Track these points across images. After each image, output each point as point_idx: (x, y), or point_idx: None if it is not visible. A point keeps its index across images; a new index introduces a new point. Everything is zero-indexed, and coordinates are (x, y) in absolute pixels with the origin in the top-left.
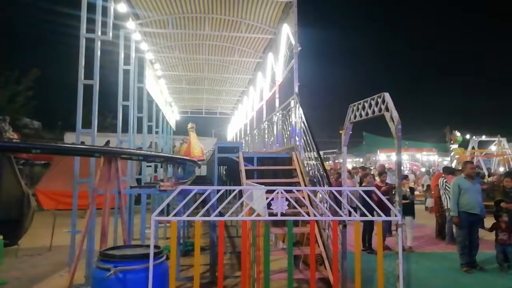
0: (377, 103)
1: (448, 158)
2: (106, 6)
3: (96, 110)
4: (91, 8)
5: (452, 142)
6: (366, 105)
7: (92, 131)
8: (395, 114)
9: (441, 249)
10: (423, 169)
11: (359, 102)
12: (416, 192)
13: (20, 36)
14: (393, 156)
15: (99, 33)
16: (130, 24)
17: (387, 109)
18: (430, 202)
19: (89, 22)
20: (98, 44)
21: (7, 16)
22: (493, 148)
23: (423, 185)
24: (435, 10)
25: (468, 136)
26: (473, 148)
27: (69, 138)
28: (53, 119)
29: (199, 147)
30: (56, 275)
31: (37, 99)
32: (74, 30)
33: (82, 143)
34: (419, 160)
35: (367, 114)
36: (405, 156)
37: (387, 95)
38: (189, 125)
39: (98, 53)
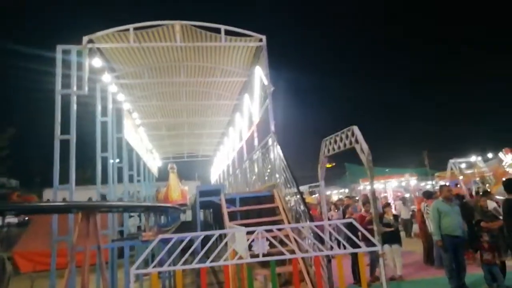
0: (347, 136)
1: (429, 182)
2: (81, 62)
3: (74, 165)
4: (67, 63)
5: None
6: (338, 138)
7: (70, 186)
8: (364, 145)
9: (431, 275)
10: (407, 195)
11: (331, 136)
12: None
13: None
14: (375, 185)
15: (75, 88)
16: (106, 77)
17: (356, 142)
18: (415, 227)
19: (65, 77)
20: (74, 99)
21: None
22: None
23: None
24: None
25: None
26: (451, 169)
27: (48, 195)
28: (31, 176)
29: (178, 190)
30: None
31: (14, 157)
32: (50, 85)
33: (64, 199)
34: (402, 186)
35: (339, 147)
36: (388, 184)
37: (355, 128)
38: (169, 166)
39: (74, 107)
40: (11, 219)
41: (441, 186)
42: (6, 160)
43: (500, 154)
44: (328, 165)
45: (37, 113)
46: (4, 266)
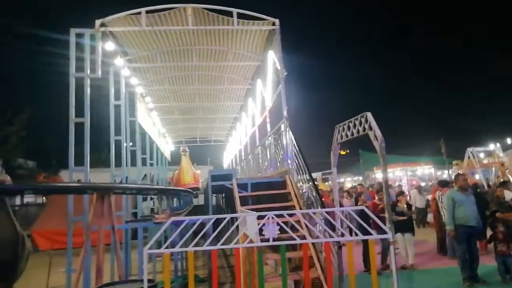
0: (360, 123)
1: (446, 171)
2: (94, 45)
3: (88, 148)
4: (80, 47)
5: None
6: (351, 125)
7: (85, 168)
8: (378, 132)
9: (443, 264)
10: (423, 184)
11: (344, 123)
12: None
13: (12, 77)
14: (390, 173)
15: (88, 71)
16: (119, 61)
17: (370, 128)
18: (430, 217)
19: (79, 60)
20: (87, 82)
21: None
22: (488, 158)
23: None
24: (424, 25)
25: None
26: (468, 157)
27: (64, 176)
28: (48, 157)
29: (191, 174)
30: None
31: (31, 139)
32: (65, 68)
33: (78, 180)
34: (417, 175)
35: (352, 134)
36: (403, 172)
37: (369, 115)
38: (181, 149)
39: (88, 91)
40: (30, 199)
41: (457, 175)
42: (24, 141)
43: None
44: (342, 152)
45: (53, 95)
46: (24, 243)
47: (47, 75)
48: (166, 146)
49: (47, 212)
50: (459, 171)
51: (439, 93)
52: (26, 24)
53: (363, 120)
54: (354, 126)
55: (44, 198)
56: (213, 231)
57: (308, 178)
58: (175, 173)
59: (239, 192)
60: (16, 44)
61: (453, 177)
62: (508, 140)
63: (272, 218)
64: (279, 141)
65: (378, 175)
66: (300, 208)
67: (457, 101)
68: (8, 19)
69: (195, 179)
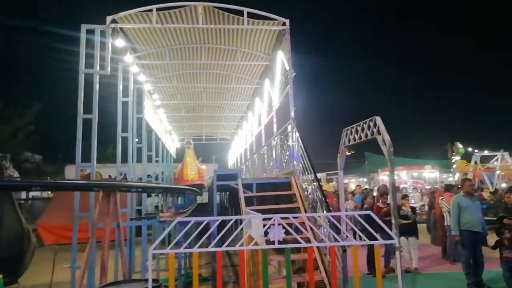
0: (369, 127)
1: (451, 174)
2: (104, 42)
3: (95, 144)
4: (90, 43)
5: (454, 154)
6: (359, 129)
7: (91, 165)
8: (386, 137)
9: (447, 269)
10: (428, 187)
11: (352, 126)
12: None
13: (21, 72)
14: (395, 176)
15: (98, 68)
16: (128, 58)
17: (378, 133)
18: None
19: (89, 57)
20: (96, 79)
21: (9, 52)
22: (495, 162)
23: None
24: (431, 28)
25: (470, 149)
26: (475, 163)
27: (70, 171)
28: (54, 152)
29: (195, 169)
30: None
31: (38, 133)
32: (74, 64)
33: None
34: (422, 178)
35: (360, 137)
36: (408, 175)
37: (378, 119)
38: (185, 141)
39: (97, 87)
40: (36, 193)
41: (463, 180)
42: (31, 136)
43: None
44: (347, 153)
45: (61, 90)
46: (30, 238)
47: (56, 70)
48: (172, 143)
49: (52, 207)
50: (465, 175)
51: (449, 96)
52: (37, 19)
53: (371, 124)
54: (362, 130)
55: (50, 193)
56: (218, 231)
57: (313, 178)
58: (177, 168)
59: (244, 193)
60: (27, 40)
61: (457, 178)
62: None
63: (278, 221)
64: (285, 142)
65: (383, 177)
66: (305, 210)
67: (467, 105)
68: (19, 15)
69: (199, 175)
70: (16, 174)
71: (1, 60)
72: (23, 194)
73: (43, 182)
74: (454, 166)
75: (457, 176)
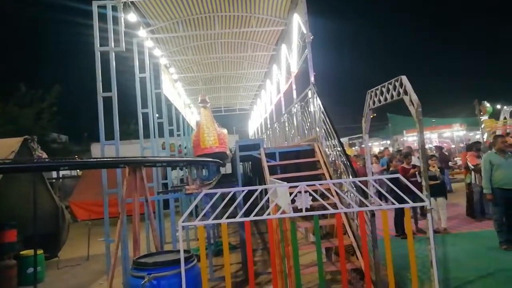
0: (395, 87)
1: (479, 132)
2: (117, 16)
3: (117, 122)
4: (103, 20)
5: (482, 113)
6: (384, 90)
7: (115, 142)
8: (414, 96)
9: (477, 228)
10: (453, 146)
11: (376, 87)
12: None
13: (41, 53)
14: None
15: (112, 45)
16: (142, 33)
17: (405, 93)
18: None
19: (103, 33)
20: (112, 56)
21: (28, 34)
22: None
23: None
24: None
25: (499, 107)
26: (505, 118)
27: (95, 149)
28: (79, 131)
29: (214, 134)
30: (95, 284)
31: (62, 113)
32: (90, 40)
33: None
34: (448, 137)
35: (385, 99)
36: (433, 135)
37: (404, 78)
38: (199, 98)
39: (113, 64)
40: (65, 172)
41: (495, 137)
42: (56, 116)
43: None
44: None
45: (80, 68)
46: (64, 215)
47: (73, 48)
48: (192, 116)
49: (82, 184)
50: (496, 132)
51: (474, 53)
52: None
53: (397, 84)
54: (388, 90)
55: (78, 171)
56: (244, 202)
57: (336, 144)
58: (193, 134)
59: (267, 162)
60: (43, 19)
61: (486, 137)
62: None
63: (304, 188)
64: (306, 108)
65: (407, 138)
66: (330, 176)
67: (495, 62)
68: None
69: (220, 141)
70: (44, 155)
71: (22, 43)
72: (54, 174)
73: (71, 162)
74: (483, 126)
75: (486, 135)
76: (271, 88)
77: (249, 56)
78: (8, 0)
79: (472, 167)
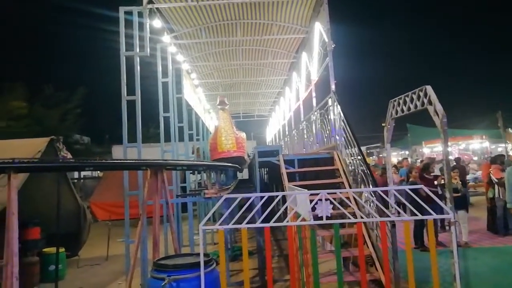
0: (419, 97)
1: (502, 145)
2: (142, 22)
3: (140, 125)
4: (130, 25)
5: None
6: (408, 99)
7: (137, 145)
8: (439, 107)
9: (501, 243)
10: (475, 158)
11: (399, 97)
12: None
13: (66, 56)
14: (437, 148)
15: (138, 49)
16: (166, 38)
17: (430, 103)
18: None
19: (128, 38)
20: (137, 61)
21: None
22: None
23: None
24: None
25: None
26: None
27: (117, 151)
28: (101, 133)
29: (232, 137)
30: (114, 283)
31: (85, 116)
32: (115, 45)
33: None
34: (469, 149)
35: (409, 109)
36: (454, 147)
37: (429, 88)
38: (218, 100)
39: (138, 69)
40: (87, 173)
41: None
42: (80, 117)
43: None
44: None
45: (104, 72)
46: (85, 214)
47: (98, 52)
48: (211, 121)
49: (103, 185)
50: None
51: (498, 63)
52: (81, 3)
53: (421, 94)
54: (412, 100)
55: (99, 172)
56: (262, 208)
57: (356, 152)
58: (210, 137)
59: (285, 169)
60: (70, 24)
61: (510, 151)
62: None
63: (325, 196)
64: (326, 116)
65: (426, 149)
66: (350, 185)
67: None
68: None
69: (238, 145)
70: (69, 155)
71: (49, 46)
72: (75, 174)
73: (96, 163)
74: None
75: (510, 146)
76: (290, 95)
77: (269, 63)
78: (39, 6)
79: (496, 180)
